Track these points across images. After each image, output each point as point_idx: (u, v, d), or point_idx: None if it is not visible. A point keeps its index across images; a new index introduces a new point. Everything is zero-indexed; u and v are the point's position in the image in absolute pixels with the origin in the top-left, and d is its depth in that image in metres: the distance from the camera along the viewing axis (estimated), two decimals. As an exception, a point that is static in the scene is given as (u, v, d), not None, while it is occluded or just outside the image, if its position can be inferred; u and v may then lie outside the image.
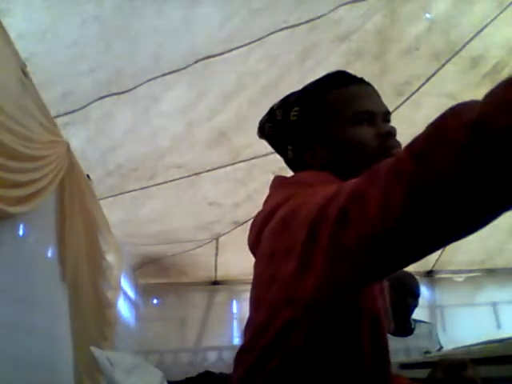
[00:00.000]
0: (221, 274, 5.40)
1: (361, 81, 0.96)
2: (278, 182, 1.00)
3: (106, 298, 3.37)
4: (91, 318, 3.05)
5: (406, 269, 3.03)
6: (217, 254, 4.92)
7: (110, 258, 3.52)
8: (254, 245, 0.97)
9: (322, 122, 0.93)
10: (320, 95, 0.95)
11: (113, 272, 3.58)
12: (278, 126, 1.00)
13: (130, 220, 3.99)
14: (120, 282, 3.92)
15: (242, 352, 0.85)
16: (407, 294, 2.71)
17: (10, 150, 1.87)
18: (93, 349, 2.13)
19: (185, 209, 4.04)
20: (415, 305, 2.71)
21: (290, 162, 1.02)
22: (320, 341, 0.74)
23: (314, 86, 0.99)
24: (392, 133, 0.91)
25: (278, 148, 1.03)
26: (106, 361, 2.04)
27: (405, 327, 2.62)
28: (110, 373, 1.99)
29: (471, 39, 3.13)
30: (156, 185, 3.52)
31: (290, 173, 1.05)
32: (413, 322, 2.66)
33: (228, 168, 3.58)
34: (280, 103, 1.02)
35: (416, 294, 2.73)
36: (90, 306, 3.04)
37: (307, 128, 0.95)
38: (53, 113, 2.42)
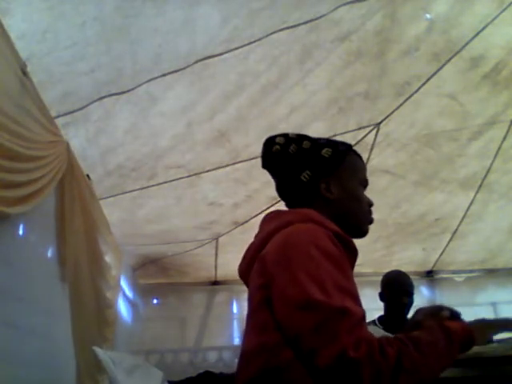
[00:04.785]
0: (221, 274, 5.40)
1: (362, 158, 1.33)
2: (271, 216, 1.23)
3: (105, 298, 3.37)
4: (91, 318, 3.05)
5: (405, 269, 3.03)
6: (217, 254, 4.91)
7: (110, 257, 3.52)
8: (245, 273, 1.17)
9: (343, 170, 1.24)
10: (347, 152, 1.28)
11: (112, 272, 3.57)
12: (303, 152, 1.24)
13: (130, 220, 3.99)
14: (119, 282, 3.92)
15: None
16: (401, 294, 2.72)
17: (9, 150, 1.87)
18: (95, 349, 2.13)
19: (185, 209, 4.04)
20: (410, 303, 2.72)
21: (294, 185, 1.23)
22: None
23: (342, 143, 1.30)
24: (373, 205, 1.29)
25: (290, 167, 1.24)
26: (109, 361, 2.04)
27: (402, 326, 2.62)
28: (114, 373, 1.99)
29: (471, 39, 3.12)
30: (156, 185, 3.52)
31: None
32: None
33: (228, 168, 3.58)
34: (303, 137, 1.27)
35: (410, 293, 2.74)
36: (90, 306, 3.04)
37: (332, 167, 1.23)
38: (53, 113, 2.42)
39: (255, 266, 1.10)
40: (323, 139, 1.29)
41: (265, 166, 1.30)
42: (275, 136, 1.28)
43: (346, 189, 1.22)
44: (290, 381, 0.94)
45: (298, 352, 0.93)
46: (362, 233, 1.25)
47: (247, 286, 1.17)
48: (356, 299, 0.97)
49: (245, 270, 1.19)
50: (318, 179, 1.21)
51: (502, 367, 1.31)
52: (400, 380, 0.86)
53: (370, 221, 1.26)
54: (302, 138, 1.26)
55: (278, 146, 1.24)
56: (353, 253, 1.14)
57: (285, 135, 1.27)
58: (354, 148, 1.33)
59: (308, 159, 1.23)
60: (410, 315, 2.70)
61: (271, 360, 0.97)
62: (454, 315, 1.22)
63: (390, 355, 0.87)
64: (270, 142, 1.27)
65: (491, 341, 1.14)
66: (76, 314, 2.79)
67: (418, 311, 1.29)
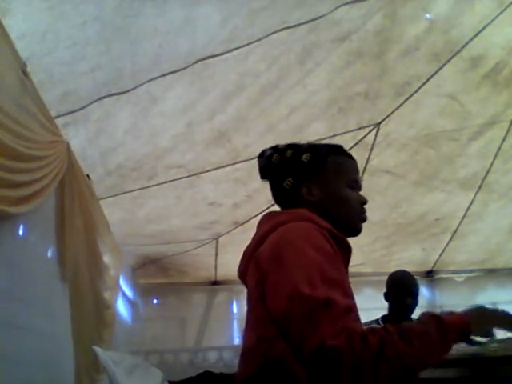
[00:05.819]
0: (221, 274, 5.40)
1: (354, 158, 1.32)
2: (267, 218, 1.26)
3: (103, 299, 3.37)
4: (90, 318, 3.05)
5: (405, 269, 3.01)
6: (217, 254, 4.92)
7: (109, 258, 3.51)
8: (244, 274, 1.20)
9: (325, 172, 1.25)
10: (329, 154, 1.28)
11: (111, 272, 3.57)
12: (285, 160, 1.27)
13: (130, 220, 3.99)
14: (118, 283, 3.92)
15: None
16: (406, 294, 2.71)
17: (10, 150, 1.87)
18: (95, 348, 2.12)
19: (185, 209, 4.04)
20: (415, 304, 2.71)
21: (281, 192, 1.28)
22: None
23: (325, 146, 1.32)
24: (366, 203, 1.28)
25: (275, 175, 1.29)
26: (109, 360, 2.03)
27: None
28: (113, 372, 1.98)
29: (471, 39, 3.12)
30: (156, 185, 3.52)
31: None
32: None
33: (228, 168, 3.58)
34: (289, 146, 1.30)
35: (414, 294, 2.72)
36: (89, 306, 3.04)
37: (312, 171, 1.25)
38: (53, 113, 2.42)
39: (251, 264, 1.14)
40: (307, 145, 1.32)
41: (261, 177, 1.36)
42: (266, 149, 1.34)
43: (329, 190, 1.24)
44: (287, 372, 0.97)
45: (290, 343, 0.96)
46: (355, 231, 1.25)
47: (246, 287, 1.19)
48: (345, 291, 0.99)
49: (243, 271, 1.21)
50: (300, 184, 1.24)
51: (501, 367, 1.31)
52: (380, 368, 0.87)
53: (362, 219, 1.26)
54: (287, 147, 1.30)
55: (264, 159, 1.32)
56: (346, 250, 1.16)
57: (274, 147, 1.32)
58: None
59: (289, 167, 1.27)
60: (414, 316, 2.70)
61: (268, 352, 1.00)
62: None
63: (372, 343, 0.88)
64: (260, 156, 1.35)
65: (492, 334, 1.12)
66: (75, 314, 2.79)
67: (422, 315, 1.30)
